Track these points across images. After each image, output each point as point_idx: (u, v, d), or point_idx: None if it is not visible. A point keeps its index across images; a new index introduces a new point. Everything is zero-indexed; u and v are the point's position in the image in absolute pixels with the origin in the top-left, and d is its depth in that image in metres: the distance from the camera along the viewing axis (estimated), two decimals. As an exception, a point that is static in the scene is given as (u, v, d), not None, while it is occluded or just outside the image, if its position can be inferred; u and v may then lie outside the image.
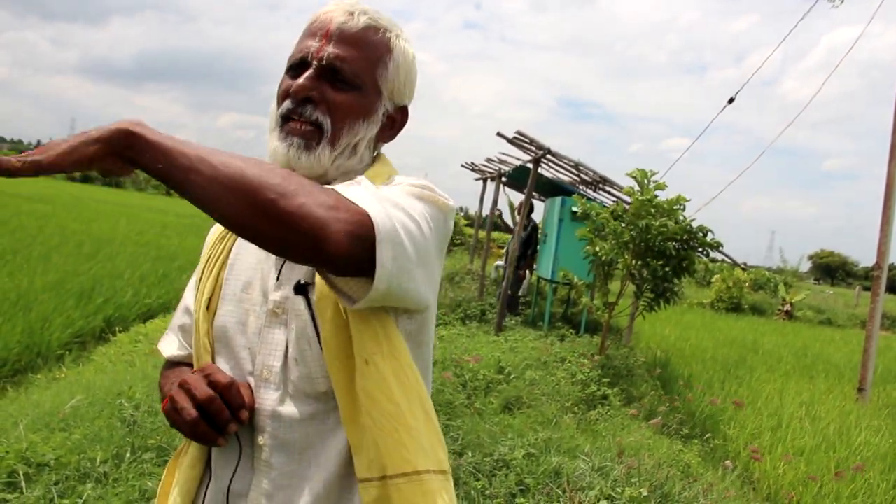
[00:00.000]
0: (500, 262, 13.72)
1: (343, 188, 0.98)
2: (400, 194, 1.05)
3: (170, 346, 1.33)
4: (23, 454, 3.12)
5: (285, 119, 1.14)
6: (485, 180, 15.42)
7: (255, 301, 1.15)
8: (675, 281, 7.07)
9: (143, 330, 7.38)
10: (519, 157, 10.94)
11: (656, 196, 6.87)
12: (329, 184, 1.13)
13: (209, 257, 1.24)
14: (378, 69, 1.17)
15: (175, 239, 15.85)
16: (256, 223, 0.86)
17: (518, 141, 9.73)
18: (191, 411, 1.04)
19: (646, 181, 6.96)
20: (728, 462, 4.89)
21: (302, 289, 1.11)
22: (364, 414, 1.02)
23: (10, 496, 2.88)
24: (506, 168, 12.64)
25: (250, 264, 1.19)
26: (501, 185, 13.50)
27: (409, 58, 1.22)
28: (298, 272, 1.14)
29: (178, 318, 1.33)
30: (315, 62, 1.13)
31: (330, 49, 1.13)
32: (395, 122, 1.25)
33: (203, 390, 1.05)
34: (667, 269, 6.92)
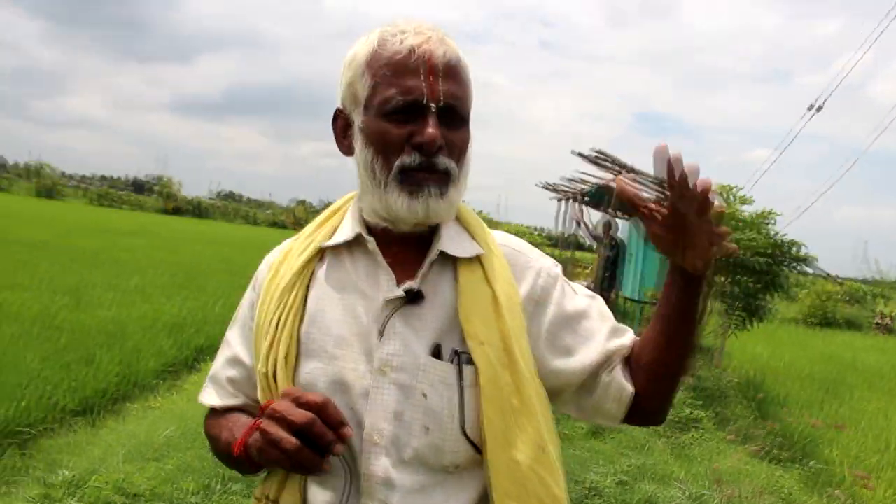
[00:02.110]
0: (586, 283, 13.51)
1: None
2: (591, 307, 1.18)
3: (214, 397, 1.23)
4: (119, 485, 3.21)
5: (409, 171, 1.04)
6: (562, 200, 15.23)
7: (354, 359, 1.06)
8: (766, 297, 6.80)
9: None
10: (597, 175, 10.79)
11: (742, 211, 6.65)
12: (435, 225, 1.11)
13: (279, 308, 1.11)
14: (471, 97, 1.10)
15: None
16: None
17: (596, 159, 9.57)
18: (290, 439, 0.94)
19: (730, 196, 6.75)
20: (838, 492, 4.61)
21: (449, 355, 1.06)
22: (532, 497, 1.03)
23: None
24: (584, 187, 12.46)
25: (337, 317, 1.09)
26: (583, 205, 13.31)
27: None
28: (408, 328, 1.06)
29: (223, 369, 1.23)
30: (433, 105, 1.02)
31: (442, 87, 1.03)
32: None
33: (300, 414, 0.95)
34: (757, 285, 6.67)
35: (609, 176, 7.55)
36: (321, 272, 1.14)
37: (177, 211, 63.23)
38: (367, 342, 1.06)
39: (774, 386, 8.06)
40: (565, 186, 14.15)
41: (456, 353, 1.05)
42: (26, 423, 4.24)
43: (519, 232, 26.38)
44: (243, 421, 1.12)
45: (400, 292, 1.06)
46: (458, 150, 1.07)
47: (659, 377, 1.11)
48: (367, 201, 1.11)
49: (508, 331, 1.06)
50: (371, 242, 1.10)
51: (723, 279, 6.81)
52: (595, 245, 11.55)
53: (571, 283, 1.21)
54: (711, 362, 8.21)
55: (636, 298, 9.66)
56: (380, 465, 1.02)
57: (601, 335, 1.14)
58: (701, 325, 1.17)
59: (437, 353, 1.05)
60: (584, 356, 1.12)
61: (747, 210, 6.73)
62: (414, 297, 1.06)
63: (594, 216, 13.21)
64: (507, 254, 1.16)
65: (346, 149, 1.13)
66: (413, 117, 1.03)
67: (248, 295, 1.23)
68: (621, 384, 1.12)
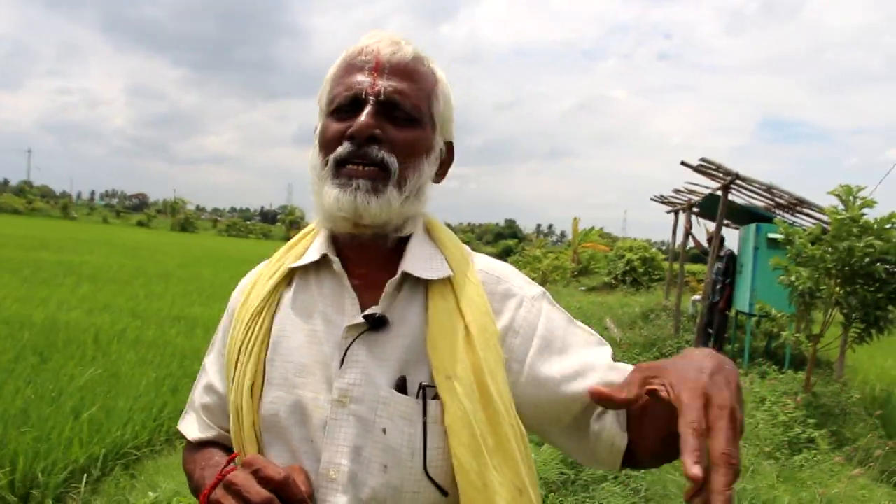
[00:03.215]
0: (697, 297, 13.02)
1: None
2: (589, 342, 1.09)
3: (192, 427, 1.20)
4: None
5: (342, 164, 1.01)
6: (676, 212, 14.79)
7: (315, 387, 1.01)
8: (891, 308, 6.28)
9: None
10: (708, 185, 10.43)
11: (863, 214, 6.17)
12: (386, 233, 1.06)
13: (246, 336, 1.08)
14: (432, 101, 1.07)
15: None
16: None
17: (704, 168, 9.29)
18: None
19: (851, 199, 6.26)
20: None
21: (404, 388, 0.99)
22: None
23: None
24: (695, 198, 12.06)
25: (301, 343, 1.05)
26: (694, 216, 12.87)
27: (450, 90, 1.12)
28: (371, 357, 1.00)
29: (199, 396, 1.20)
30: (371, 97, 1.01)
31: (385, 82, 1.01)
32: (444, 160, 1.14)
33: (257, 492, 0.89)
34: (879, 294, 6.18)
35: (716, 185, 7.24)
36: (288, 296, 1.11)
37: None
38: (329, 370, 1.01)
39: (905, 403, 7.46)
40: (676, 198, 13.75)
41: (422, 387, 0.99)
42: (134, 444, 4.48)
43: (639, 247, 25.80)
44: (215, 460, 1.10)
45: (360, 318, 1.02)
46: (404, 149, 1.02)
47: (656, 444, 0.96)
48: (316, 206, 1.07)
49: (481, 364, 0.99)
50: (336, 263, 1.06)
51: (839, 289, 6.36)
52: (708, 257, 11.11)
53: (562, 311, 1.12)
54: (831, 376, 7.69)
55: (748, 311, 9.17)
56: (336, 502, 0.97)
57: (595, 370, 1.03)
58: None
59: (401, 385, 0.99)
60: (573, 391, 1.01)
61: (870, 214, 6.23)
62: (377, 324, 1.01)
63: (707, 226, 12.73)
64: (487, 280, 1.09)
65: None
66: (355, 113, 1.02)
67: (223, 320, 1.20)
68: (612, 434, 1.00)
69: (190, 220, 74.65)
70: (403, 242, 1.09)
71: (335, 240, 1.10)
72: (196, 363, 6.41)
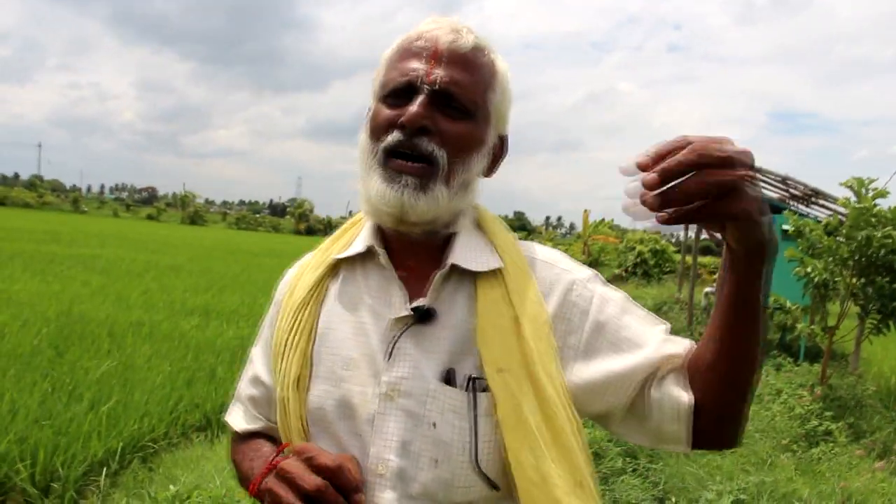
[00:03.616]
0: (710, 289, 12.97)
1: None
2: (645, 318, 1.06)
3: (238, 418, 1.19)
4: (220, 500, 3.33)
5: (391, 154, 0.98)
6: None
7: (362, 381, 0.99)
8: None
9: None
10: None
11: (876, 205, 6.14)
12: (435, 230, 1.04)
13: (292, 328, 1.07)
14: (489, 94, 1.03)
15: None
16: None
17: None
18: None
19: (864, 190, 6.23)
20: None
21: (451, 381, 0.97)
22: None
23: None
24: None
25: (347, 336, 1.03)
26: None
27: (508, 81, 1.08)
28: (419, 350, 0.99)
29: (246, 388, 1.19)
30: (426, 86, 0.97)
31: (441, 72, 0.98)
32: (497, 154, 1.10)
33: (310, 480, 0.88)
34: (895, 285, 6.14)
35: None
36: (334, 288, 1.09)
37: (309, 231, 65.93)
38: (376, 364, 0.99)
39: (921, 395, 7.42)
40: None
41: (470, 379, 0.97)
42: (151, 437, 4.50)
43: (650, 239, 25.73)
44: (264, 451, 1.10)
45: (408, 310, 1.00)
46: (455, 143, 0.99)
47: (721, 382, 0.93)
48: (362, 194, 1.04)
49: (533, 355, 0.96)
50: (382, 255, 1.05)
51: (855, 280, 6.32)
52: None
53: (616, 291, 1.08)
54: (846, 369, 7.65)
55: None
56: (384, 498, 0.95)
57: (648, 344, 1.00)
58: (765, 316, 0.93)
59: (449, 378, 0.97)
60: (627, 367, 0.98)
61: (883, 204, 6.21)
62: (424, 316, 0.99)
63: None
64: (536, 266, 1.07)
65: None
66: (408, 101, 0.98)
67: (269, 311, 1.19)
68: (675, 397, 0.96)
69: (199, 214, 74.96)
70: (450, 234, 1.07)
71: (381, 230, 1.08)
72: (211, 356, 6.48)
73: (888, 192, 6.24)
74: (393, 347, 0.99)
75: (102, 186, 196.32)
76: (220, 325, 8.09)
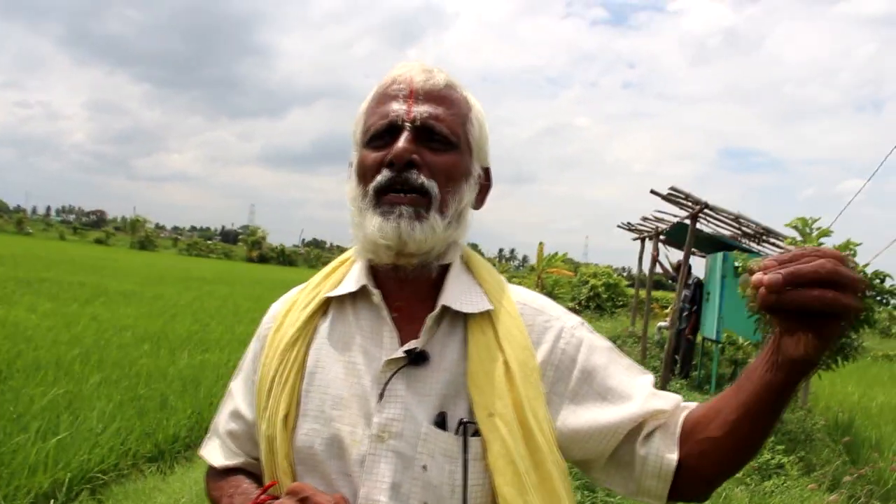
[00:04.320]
0: (663, 323, 13.16)
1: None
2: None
3: (216, 453, 1.17)
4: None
5: (383, 192, 1.00)
6: (643, 239, 14.98)
7: (352, 421, 0.99)
8: (853, 334, 6.42)
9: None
10: (675, 213, 10.58)
11: (822, 243, 6.33)
12: (429, 261, 1.04)
13: (280, 365, 1.06)
14: (467, 126, 1.06)
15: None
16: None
17: (673, 197, 9.41)
18: None
19: (808, 230, 6.43)
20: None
21: (443, 424, 0.97)
22: None
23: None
24: (663, 226, 12.23)
25: (338, 375, 1.03)
26: (661, 244, 13.04)
27: (484, 116, 1.11)
28: (411, 392, 0.99)
29: (225, 422, 1.17)
30: (408, 124, 1.00)
31: (420, 108, 1.01)
32: (483, 186, 1.12)
33: None
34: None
35: (684, 213, 7.34)
36: (324, 326, 1.09)
37: (262, 259, 65.16)
38: (367, 404, 0.99)
39: (866, 428, 7.59)
40: (644, 226, 13.93)
41: (462, 423, 0.97)
42: (101, 469, 4.35)
43: (603, 273, 26.06)
44: (243, 487, 1.08)
45: (401, 353, 1.00)
46: (443, 174, 1.01)
47: (723, 456, 0.95)
48: (356, 238, 1.05)
49: (522, 400, 0.98)
50: (376, 295, 1.05)
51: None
52: (675, 284, 11.27)
53: (602, 340, 1.10)
54: (796, 403, 7.80)
55: (715, 338, 9.29)
56: None
57: (634, 397, 1.02)
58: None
59: (441, 422, 0.98)
60: (613, 420, 1.00)
61: (828, 242, 6.41)
62: (417, 359, 1.00)
63: (673, 255, 12.92)
64: (525, 312, 1.08)
65: None
66: (392, 141, 1.01)
67: (252, 346, 1.18)
68: (660, 456, 0.98)
69: (150, 239, 73.54)
70: (441, 272, 1.08)
71: (373, 270, 1.08)
72: (162, 384, 6.32)
73: (832, 232, 6.44)
74: (385, 389, 0.99)
75: (49, 208, 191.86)
76: (172, 353, 7.90)
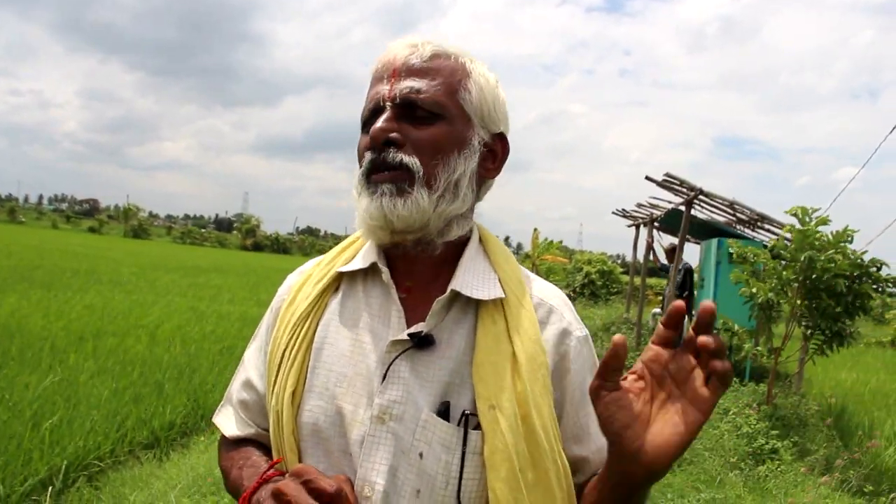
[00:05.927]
0: (657, 310, 13.19)
1: None
2: None
3: (229, 422, 1.17)
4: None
5: (369, 173, 1.00)
6: (637, 226, 14.99)
7: (354, 399, 0.99)
8: (848, 321, 6.44)
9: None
10: (671, 199, 10.58)
11: (818, 232, 6.35)
12: (430, 239, 1.02)
13: (290, 341, 1.06)
14: (459, 93, 1.02)
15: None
16: None
17: (668, 183, 9.41)
18: None
19: (807, 218, 6.43)
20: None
21: (446, 414, 0.96)
22: None
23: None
24: (657, 212, 12.24)
25: (344, 352, 1.02)
26: (655, 230, 13.06)
27: (492, 82, 1.07)
28: (414, 376, 0.98)
29: (238, 391, 1.17)
30: (388, 103, 1.00)
31: (401, 85, 0.99)
32: (496, 152, 1.08)
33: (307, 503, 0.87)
34: (838, 308, 6.33)
35: (679, 200, 7.38)
36: (335, 302, 1.08)
37: (256, 247, 65.13)
38: (370, 384, 0.98)
39: (859, 413, 7.63)
40: (638, 212, 13.94)
41: (465, 415, 0.95)
42: (97, 455, 4.35)
43: (597, 260, 26.07)
44: (253, 460, 1.07)
45: (405, 335, 0.99)
46: (429, 147, 0.99)
47: None
48: (356, 221, 1.04)
49: (527, 395, 0.95)
50: (385, 273, 1.04)
51: (800, 302, 6.50)
52: (665, 275, 11.30)
53: (596, 360, 1.08)
54: (790, 389, 7.84)
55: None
56: None
57: (598, 446, 1.02)
58: None
59: (444, 411, 0.96)
60: (580, 456, 1.03)
61: (825, 230, 6.42)
62: (422, 342, 0.98)
63: (666, 241, 12.94)
64: (540, 308, 1.06)
65: None
66: (376, 122, 1.01)
67: (267, 317, 1.18)
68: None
69: (143, 227, 73.42)
70: (454, 252, 1.06)
71: (386, 249, 1.07)
72: (157, 372, 6.32)
73: (830, 220, 6.45)
74: (388, 370, 0.98)
75: (41, 197, 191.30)
76: (167, 341, 7.89)
